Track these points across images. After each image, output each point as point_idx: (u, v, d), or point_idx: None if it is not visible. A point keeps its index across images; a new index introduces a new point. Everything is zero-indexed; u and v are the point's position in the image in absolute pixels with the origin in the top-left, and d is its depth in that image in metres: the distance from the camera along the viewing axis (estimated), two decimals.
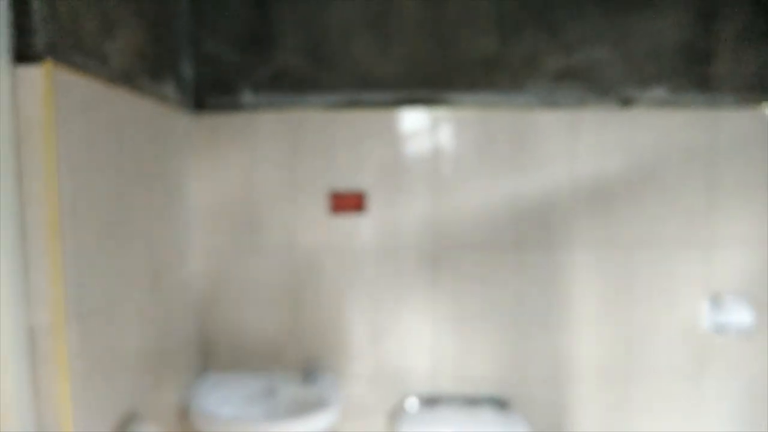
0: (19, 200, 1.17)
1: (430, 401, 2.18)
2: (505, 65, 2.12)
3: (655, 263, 2.15)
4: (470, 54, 2.12)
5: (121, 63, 1.55)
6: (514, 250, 2.15)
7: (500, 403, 2.17)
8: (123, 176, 1.54)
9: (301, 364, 2.18)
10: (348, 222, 2.16)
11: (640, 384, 2.18)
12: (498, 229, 2.15)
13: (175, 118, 1.97)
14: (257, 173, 2.16)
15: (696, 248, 2.14)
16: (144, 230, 1.69)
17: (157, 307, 1.78)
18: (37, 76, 1.18)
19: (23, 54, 1.17)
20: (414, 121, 2.14)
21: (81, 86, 1.32)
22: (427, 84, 2.13)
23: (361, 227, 2.16)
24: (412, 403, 2.18)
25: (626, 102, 2.12)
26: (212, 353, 2.21)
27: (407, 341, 2.19)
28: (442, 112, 2.13)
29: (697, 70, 2.12)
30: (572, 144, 2.13)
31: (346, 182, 2.15)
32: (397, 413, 2.17)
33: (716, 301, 2.13)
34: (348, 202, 2.15)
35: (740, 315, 2.09)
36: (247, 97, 2.14)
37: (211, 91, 2.14)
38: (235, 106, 2.14)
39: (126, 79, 1.57)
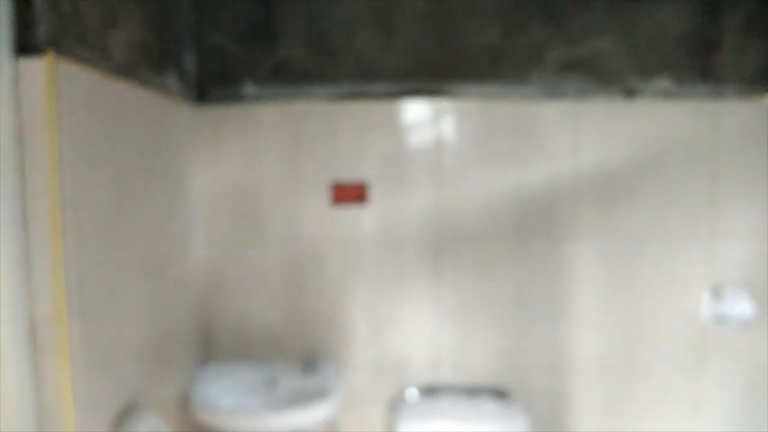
0: (22, 192, 1.19)
1: (430, 391, 2.19)
2: (508, 56, 2.12)
3: (657, 254, 2.15)
4: (474, 45, 2.12)
5: (124, 55, 1.55)
6: (516, 241, 2.15)
7: (500, 394, 2.18)
8: (125, 168, 1.55)
9: (302, 354, 2.19)
10: (350, 213, 2.17)
11: (641, 375, 2.19)
12: (500, 220, 2.15)
13: (178, 110, 1.98)
14: (259, 165, 2.17)
15: (697, 240, 2.14)
16: (146, 222, 1.70)
17: (158, 299, 1.80)
18: (39, 68, 1.19)
19: (25, 46, 1.18)
20: (417, 113, 2.14)
21: (83, 78, 1.33)
22: (431, 75, 2.13)
23: (363, 219, 2.17)
24: (412, 393, 2.20)
25: (630, 93, 2.11)
26: (213, 344, 2.22)
27: (408, 332, 2.20)
28: (445, 104, 2.13)
29: (700, 61, 2.11)
30: (575, 135, 2.12)
31: (349, 174, 2.16)
32: (397, 403, 2.19)
33: (717, 292, 2.13)
34: (350, 194, 2.16)
35: (741, 306, 2.08)
36: (250, 88, 2.14)
37: (213, 83, 2.15)
38: (237, 98, 2.14)
39: (128, 71, 1.58)
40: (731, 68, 2.11)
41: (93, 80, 1.38)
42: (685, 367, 2.18)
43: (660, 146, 2.12)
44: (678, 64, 2.11)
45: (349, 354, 2.21)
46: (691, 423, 2.20)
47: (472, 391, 2.18)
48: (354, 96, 2.14)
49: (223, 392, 2.02)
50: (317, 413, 1.90)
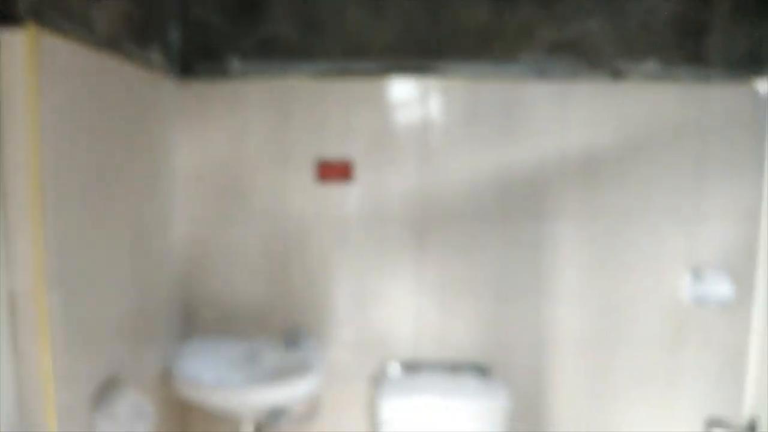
0: (0, 165, 1.17)
1: (413, 367, 2.22)
2: (498, 36, 2.10)
3: (640, 235, 2.16)
4: (463, 24, 2.10)
5: (107, 28, 1.53)
6: (501, 220, 2.16)
7: (482, 370, 2.20)
8: (107, 142, 1.54)
9: (285, 330, 2.20)
10: (335, 191, 2.16)
11: (621, 352, 2.22)
12: (485, 199, 2.16)
13: (161, 84, 1.96)
14: (244, 141, 2.15)
15: (681, 221, 2.16)
16: (128, 196, 1.69)
17: (140, 273, 1.79)
18: (19, 39, 1.17)
19: (6, 17, 1.16)
20: (404, 91, 2.14)
21: (65, 51, 1.31)
22: (419, 53, 2.12)
23: (348, 196, 2.17)
24: (394, 369, 2.22)
25: (618, 75, 2.11)
26: (195, 319, 2.23)
27: (391, 308, 2.22)
28: (432, 82, 2.12)
29: (689, 44, 2.11)
30: (563, 116, 2.12)
31: (334, 151, 2.15)
32: (379, 379, 2.21)
33: (698, 273, 2.16)
34: (335, 171, 2.15)
35: (720, 288, 2.11)
36: (235, 64, 2.12)
37: (198, 58, 2.12)
38: (222, 74, 2.12)
39: (111, 44, 1.56)
40: (719, 52, 2.11)
41: (75, 53, 1.36)
42: (663, 347, 2.21)
43: (646, 128, 2.12)
44: (666, 47, 2.11)
45: (332, 330, 2.22)
46: (669, 401, 2.23)
47: (454, 367, 2.21)
48: (341, 73, 2.12)
49: (205, 367, 2.02)
50: (299, 388, 1.91)
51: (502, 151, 2.14)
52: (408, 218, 2.17)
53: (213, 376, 2.02)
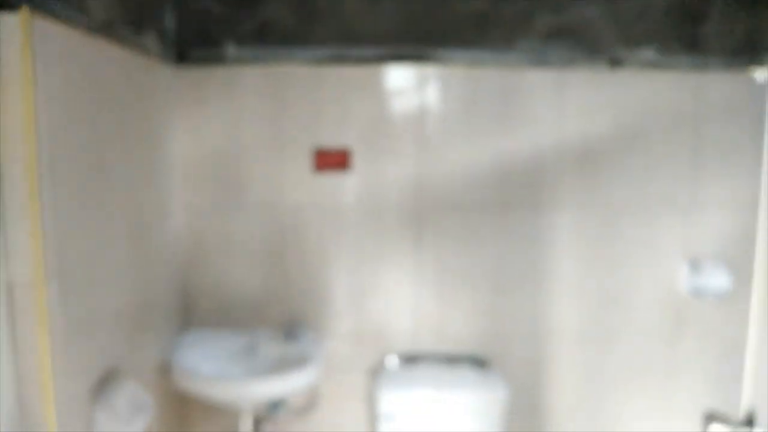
0: None
1: (411, 359, 2.21)
2: (495, 23, 2.09)
3: (638, 225, 2.17)
4: (461, 10, 2.09)
5: (102, 13, 1.50)
6: (498, 210, 2.16)
7: (480, 362, 2.20)
8: (103, 130, 1.51)
9: (283, 321, 2.19)
10: (332, 180, 2.15)
11: (618, 344, 2.23)
12: (482, 188, 2.15)
13: (157, 70, 1.93)
14: (240, 129, 2.13)
15: (678, 211, 2.16)
16: (125, 185, 1.67)
17: (137, 264, 1.77)
18: (13, 24, 1.14)
19: None
20: (401, 78, 2.12)
21: (59, 36, 1.28)
22: (416, 40, 2.10)
23: (345, 185, 2.15)
24: (392, 361, 2.21)
25: (615, 62, 2.10)
26: (194, 310, 2.21)
27: (389, 300, 2.21)
28: (430, 69, 2.11)
29: (686, 32, 2.11)
30: (560, 104, 2.12)
31: (331, 139, 2.13)
32: (377, 371, 2.20)
33: (695, 264, 2.16)
34: (332, 160, 2.14)
35: (718, 279, 2.12)
36: (231, 50, 2.09)
37: (193, 44, 2.09)
38: (218, 60, 2.09)
39: (106, 29, 1.52)
40: (717, 40, 2.11)
41: (70, 38, 1.33)
42: (661, 338, 2.22)
43: (644, 117, 2.12)
44: (664, 35, 2.10)
45: (330, 321, 2.21)
46: (666, 393, 2.25)
47: (452, 360, 2.21)
48: (338, 60, 2.10)
49: (204, 359, 2.01)
50: (298, 380, 1.90)
51: (499, 140, 2.13)
52: (405, 208, 2.16)
53: (212, 368, 2.00)
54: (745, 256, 2.11)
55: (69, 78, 1.32)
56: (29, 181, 1.18)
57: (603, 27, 2.09)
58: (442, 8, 2.08)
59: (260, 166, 2.14)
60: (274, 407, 1.95)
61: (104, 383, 1.50)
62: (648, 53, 2.10)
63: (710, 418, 1.04)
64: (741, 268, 2.12)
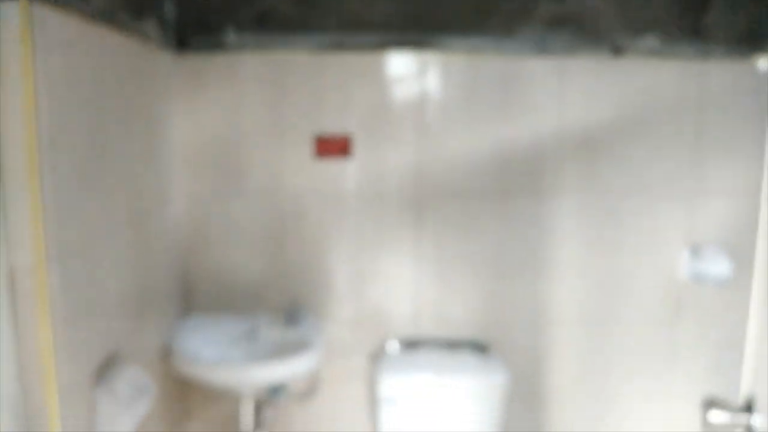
0: None
1: (411, 344, 2.22)
2: (497, 10, 2.08)
3: (639, 212, 2.17)
4: None
5: None
6: (499, 197, 2.16)
7: (480, 347, 2.21)
8: (103, 116, 1.51)
9: (284, 306, 2.20)
10: (333, 166, 2.15)
11: (619, 330, 2.23)
12: (483, 175, 2.15)
13: (157, 57, 1.93)
14: (241, 116, 2.13)
15: (680, 198, 2.16)
16: (125, 171, 1.67)
17: (138, 249, 1.78)
18: (13, 11, 1.14)
19: None
20: (402, 65, 2.11)
21: (59, 22, 1.28)
22: (417, 27, 2.09)
23: (345, 172, 2.15)
24: (393, 346, 2.22)
25: (617, 50, 2.09)
26: (195, 295, 2.22)
27: (389, 285, 2.22)
28: (430, 56, 2.10)
29: (689, 20, 2.09)
30: (561, 92, 2.11)
31: (332, 126, 2.13)
32: (378, 355, 2.21)
33: (696, 250, 2.16)
34: (333, 147, 2.13)
35: (719, 265, 2.12)
36: (231, 37, 2.08)
37: (194, 31, 2.08)
38: (218, 47, 2.09)
39: (106, 16, 1.52)
40: (720, 28, 2.10)
41: (69, 24, 1.33)
42: (662, 324, 2.22)
43: (646, 105, 2.12)
44: (667, 22, 2.09)
45: (331, 306, 2.22)
46: (666, 379, 2.25)
47: (453, 345, 2.22)
48: (338, 47, 2.09)
49: (205, 343, 2.02)
50: (299, 365, 1.91)
51: (500, 127, 2.12)
52: (406, 194, 2.16)
53: (213, 352, 2.01)
54: (746, 243, 2.12)
55: (69, 65, 1.32)
56: (30, 166, 1.18)
57: (605, 14, 2.08)
58: None
59: (261, 152, 2.14)
60: (274, 392, 1.97)
61: (106, 367, 1.51)
62: (650, 41, 2.09)
63: (709, 404, 1.05)
64: (742, 255, 2.12)
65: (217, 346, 2.04)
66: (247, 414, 2.01)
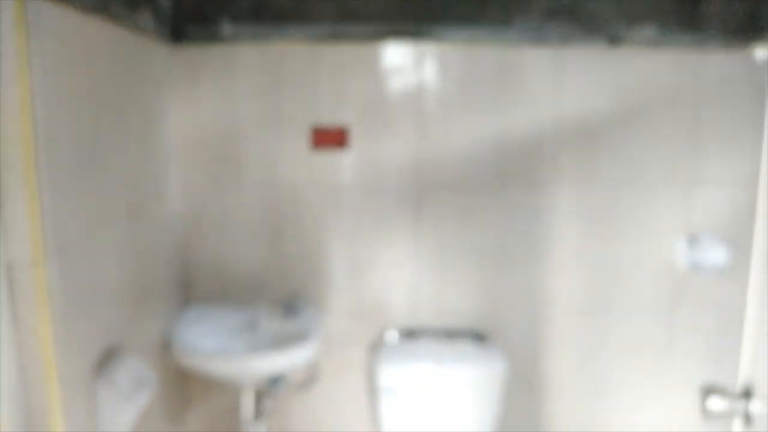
0: None
1: (410, 334, 2.23)
2: (494, 0, 2.07)
3: (636, 201, 2.17)
4: None
5: None
6: (497, 187, 2.16)
7: (479, 336, 2.22)
8: (99, 109, 1.51)
9: (283, 297, 2.20)
10: (330, 158, 2.14)
11: (617, 319, 2.24)
12: (481, 166, 2.15)
13: (152, 49, 1.92)
14: (237, 107, 2.12)
15: (677, 187, 2.16)
16: (122, 164, 1.67)
17: (136, 241, 1.78)
18: (7, 2, 1.13)
19: None
20: (399, 56, 2.10)
21: (53, 14, 1.27)
22: (414, 17, 2.08)
23: (343, 163, 2.15)
24: (391, 336, 2.23)
25: (614, 40, 2.09)
26: (194, 287, 2.22)
27: (388, 276, 2.22)
28: (427, 47, 2.09)
29: (686, 10, 2.09)
30: (558, 82, 2.11)
31: (329, 118, 2.12)
32: (377, 345, 2.22)
33: (693, 240, 2.17)
34: (330, 138, 2.13)
35: (716, 254, 2.13)
36: (227, 28, 2.07)
37: (189, 22, 2.07)
38: (214, 38, 2.08)
39: (100, 7, 1.51)
40: (717, 18, 2.09)
41: (64, 16, 1.32)
42: (660, 312, 2.23)
43: (643, 94, 2.11)
44: (664, 12, 2.08)
45: (330, 297, 2.23)
46: (665, 367, 2.27)
47: (452, 334, 2.22)
48: (334, 37, 2.08)
49: (205, 335, 2.02)
50: (298, 355, 1.92)
51: (497, 117, 2.12)
52: (404, 185, 2.16)
53: (212, 344, 2.02)
54: (744, 231, 2.12)
55: (64, 57, 1.32)
56: (27, 160, 1.18)
57: (601, 4, 2.07)
58: None
59: (258, 143, 2.14)
60: (274, 382, 1.97)
61: (106, 360, 1.52)
62: (647, 31, 2.08)
63: (708, 391, 1.05)
64: (739, 243, 2.13)
65: (216, 337, 2.05)
66: (247, 404, 2.02)
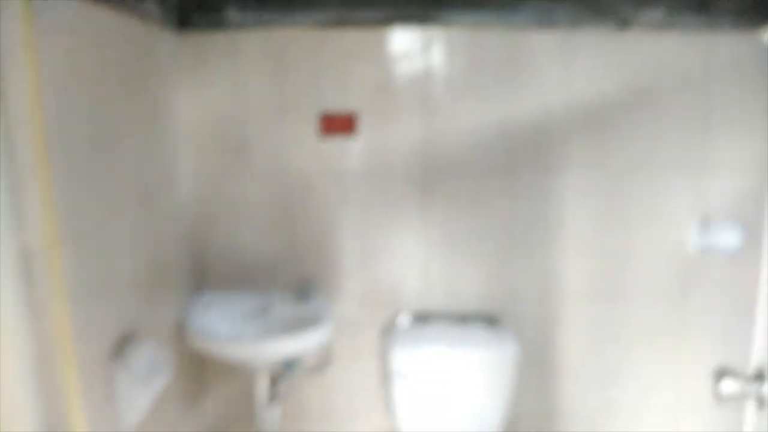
0: (5, 123, 1.15)
1: (422, 318, 2.24)
2: None
3: (647, 185, 2.16)
4: None
5: None
6: (506, 172, 2.15)
7: (490, 320, 2.23)
8: (107, 96, 1.51)
9: (295, 283, 2.21)
10: (338, 144, 2.14)
11: (628, 303, 2.24)
12: (490, 150, 2.14)
13: (159, 36, 1.91)
14: (244, 94, 2.12)
15: (688, 171, 2.15)
16: (132, 151, 1.67)
17: (149, 228, 1.79)
18: None
19: None
20: (406, 41, 2.10)
21: (61, 3, 1.27)
22: (421, 1, 2.06)
23: (351, 149, 2.15)
24: (403, 319, 2.24)
25: (623, 23, 2.07)
26: (206, 273, 2.23)
27: (399, 261, 2.22)
28: (435, 31, 2.08)
29: None
30: (567, 66, 2.09)
31: (336, 104, 2.12)
32: (389, 329, 2.23)
33: (705, 223, 2.16)
34: (338, 124, 2.13)
35: (728, 238, 2.12)
36: (233, 14, 2.07)
37: (195, 9, 2.06)
38: (220, 25, 2.07)
39: None
40: (726, 0, 2.07)
41: (69, 5, 1.32)
42: (672, 296, 2.22)
43: (652, 78, 2.10)
44: None
45: (341, 282, 2.24)
46: (677, 351, 2.27)
47: (463, 318, 2.23)
48: (341, 23, 2.07)
49: (218, 320, 2.04)
50: (311, 339, 1.94)
51: (506, 102, 2.11)
52: (413, 170, 2.16)
53: (227, 329, 2.04)
54: (756, 215, 2.12)
55: (71, 45, 1.31)
56: (39, 149, 1.18)
57: None
58: None
59: (265, 130, 2.14)
60: (288, 366, 1.99)
61: (122, 345, 1.53)
62: (656, 13, 2.06)
63: (720, 374, 1.06)
64: (751, 226, 2.12)
65: (230, 322, 2.07)
66: (261, 388, 2.04)
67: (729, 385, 1.05)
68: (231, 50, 2.09)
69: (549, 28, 2.07)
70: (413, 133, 2.13)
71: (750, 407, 1.06)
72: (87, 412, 1.32)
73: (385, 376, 2.17)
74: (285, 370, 2.00)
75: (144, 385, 1.52)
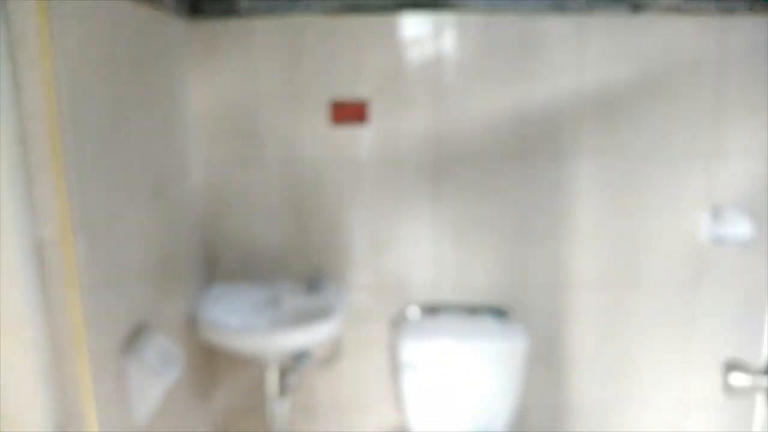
0: (19, 114, 1.14)
1: (432, 309, 2.23)
2: None
3: (659, 173, 2.14)
4: None
5: None
6: (517, 160, 2.14)
7: (500, 312, 2.22)
8: (120, 86, 1.50)
9: (305, 274, 2.21)
10: (350, 132, 2.13)
11: (639, 294, 2.23)
12: (501, 138, 2.12)
13: (170, 24, 1.90)
14: (256, 82, 2.10)
15: (700, 159, 2.13)
16: (144, 141, 1.66)
17: (161, 218, 1.79)
18: None
19: None
20: (417, 27, 2.07)
21: None
22: None
23: (363, 137, 2.14)
24: (413, 311, 2.23)
25: (636, 7, 2.04)
26: (217, 264, 2.23)
27: (409, 251, 2.22)
28: (446, 17, 2.06)
29: None
30: (580, 51, 2.07)
31: (347, 91, 2.10)
32: (398, 321, 2.23)
33: (716, 212, 2.15)
34: (350, 112, 2.11)
35: (740, 227, 2.10)
36: (244, 2, 2.05)
37: None
38: (231, 12, 2.05)
39: None
40: None
41: None
42: (682, 287, 2.22)
43: (666, 63, 2.07)
44: None
45: (352, 273, 2.23)
46: (687, 342, 2.26)
47: (473, 310, 2.23)
48: (352, 9, 2.05)
49: (229, 311, 2.04)
50: (322, 331, 1.93)
51: (518, 88, 2.09)
52: (424, 158, 2.15)
53: (237, 320, 2.04)
54: (767, 203, 2.10)
55: (84, 34, 1.30)
56: (52, 139, 1.17)
57: None
58: None
59: (277, 118, 2.13)
60: (299, 358, 1.99)
61: (134, 337, 1.53)
62: None
63: (730, 366, 1.05)
64: (764, 216, 2.10)
65: (241, 314, 2.06)
66: (272, 380, 2.04)
67: (739, 378, 1.04)
68: (242, 38, 2.07)
69: (562, 13, 2.04)
70: (424, 121, 2.12)
71: (760, 400, 1.05)
72: (99, 404, 1.32)
73: (395, 368, 2.17)
74: (295, 363, 2.00)
75: (156, 377, 1.52)
